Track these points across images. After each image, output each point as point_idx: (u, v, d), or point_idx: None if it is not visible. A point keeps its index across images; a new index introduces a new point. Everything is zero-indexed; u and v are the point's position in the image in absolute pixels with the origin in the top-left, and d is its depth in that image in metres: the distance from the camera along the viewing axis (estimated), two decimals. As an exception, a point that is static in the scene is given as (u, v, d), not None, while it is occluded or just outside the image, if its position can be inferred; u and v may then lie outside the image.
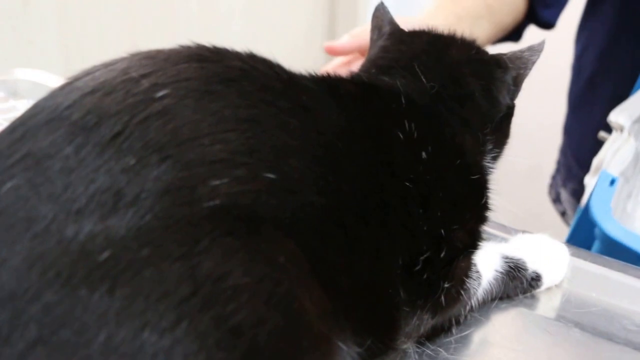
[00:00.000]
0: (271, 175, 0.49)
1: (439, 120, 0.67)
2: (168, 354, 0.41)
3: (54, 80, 1.23)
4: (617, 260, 0.78)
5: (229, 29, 2.08)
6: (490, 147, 0.74)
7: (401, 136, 0.62)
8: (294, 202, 0.51)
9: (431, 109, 0.68)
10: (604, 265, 0.78)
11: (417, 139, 0.63)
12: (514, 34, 1.25)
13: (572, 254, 0.77)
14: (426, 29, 0.78)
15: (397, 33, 0.78)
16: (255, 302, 0.44)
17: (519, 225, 0.79)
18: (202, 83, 0.51)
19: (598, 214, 0.84)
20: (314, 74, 0.64)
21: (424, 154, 0.62)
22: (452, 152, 0.66)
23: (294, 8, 2.34)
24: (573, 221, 1.09)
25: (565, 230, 1.24)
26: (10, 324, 0.40)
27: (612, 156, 0.99)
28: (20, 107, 1.20)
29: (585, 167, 1.14)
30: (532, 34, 1.22)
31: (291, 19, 2.34)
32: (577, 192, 1.20)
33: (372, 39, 0.81)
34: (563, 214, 1.29)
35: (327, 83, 0.63)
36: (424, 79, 0.69)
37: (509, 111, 0.77)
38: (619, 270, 0.77)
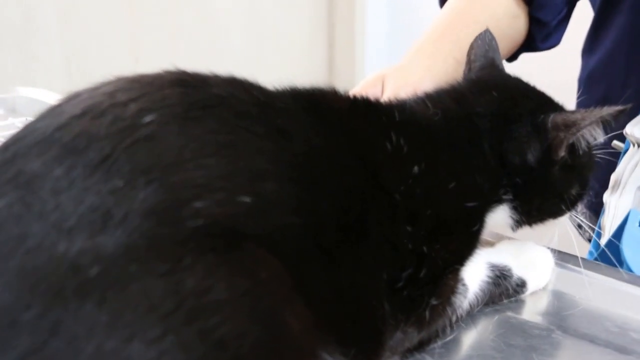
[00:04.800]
0: (247, 199, 0.51)
1: (438, 143, 0.67)
2: None
3: (55, 98, 1.25)
4: (601, 264, 0.80)
5: (229, 43, 2.11)
6: (510, 194, 0.70)
7: (389, 148, 0.63)
8: (271, 223, 0.52)
9: (431, 132, 0.67)
10: (588, 269, 0.79)
11: (407, 153, 0.63)
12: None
13: (557, 258, 0.79)
14: (500, 75, 0.78)
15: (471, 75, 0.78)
16: (237, 316, 0.46)
17: (528, 236, 0.79)
18: (185, 109, 0.53)
19: (630, 258, 0.84)
20: (299, 91, 0.65)
21: (415, 169, 0.63)
22: (448, 174, 0.66)
23: (293, 19, 2.36)
24: (594, 242, 1.07)
25: (578, 241, 1.23)
26: (3, 335, 0.42)
27: (630, 172, 0.98)
28: (19, 124, 1.22)
29: (601, 180, 1.15)
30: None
31: (291, 30, 2.36)
32: (594, 204, 1.19)
33: (464, 73, 0.82)
34: (579, 226, 1.28)
35: (308, 101, 0.64)
36: (430, 107, 0.69)
37: (540, 174, 0.70)
38: (602, 274, 0.79)
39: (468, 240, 0.69)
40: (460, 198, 0.66)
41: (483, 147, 0.69)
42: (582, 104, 1.27)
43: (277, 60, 2.25)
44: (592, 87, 1.24)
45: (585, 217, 1.23)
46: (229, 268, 0.47)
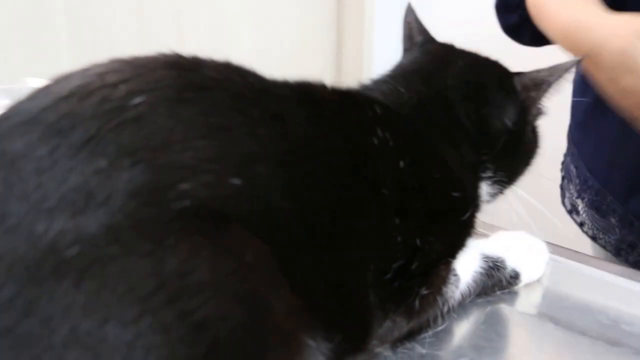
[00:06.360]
0: (237, 181, 0.51)
1: (419, 132, 0.68)
2: (131, 347, 0.42)
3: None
4: (596, 257, 0.80)
5: (236, 43, 2.11)
6: (490, 170, 0.73)
7: (376, 143, 0.63)
8: (260, 207, 0.52)
9: (411, 121, 0.69)
10: (583, 262, 0.79)
11: (393, 147, 0.64)
12: None
13: (551, 251, 0.79)
14: (447, 45, 0.79)
15: (418, 48, 0.79)
16: (219, 298, 0.46)
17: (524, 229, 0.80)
18: (177, 91, 0.53)
19: None
20: (293, 82, 0.65)
21: (401, 163, 0.63)
22: (433, 166, 0.67)
23: (302, 15, 2.36)
24: None
25: (583, 240, 1.23)
26: None
27: None
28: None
29: (602, 179, 1.14)
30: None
31: (299, 26, 2.35)
32: (596, 203, 1.18)
33: (404, 49, 0.82)
34: (582, 224, 1.27)
35: (303, 92, 0.64)
36: (404, 92, 0.70)
37: (516, 136, 0.74)
38: (596, 267, 0.78)
39: (460, 229, 0.69)
40: (448, 187, 0.67)
41: (462, 122, 0.70)
42: (580, 105, 1.25)
43: (284, 61, 2.24)
44: (586, 87, 1.23)
45: (589, 216, 1.22)
46: (214, 250, 0.47)
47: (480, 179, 0.73)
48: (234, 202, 0.51)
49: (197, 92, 0.54)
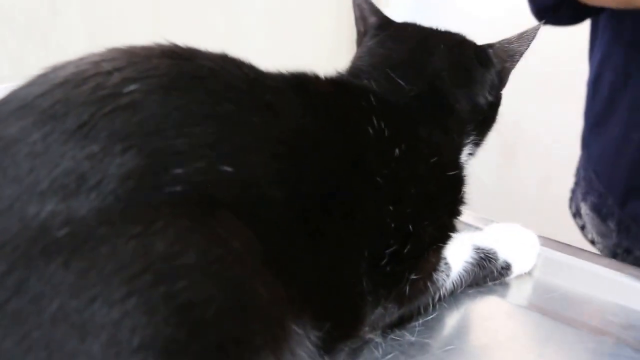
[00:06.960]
0: (228, 169, 0.52)
1: (415, 121, 0.70)
2: (116, 326, 0.43)
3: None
4: (584, 250, 0.81)
5: (253, 41, 2.12)
6: (471, 138, 0.77)
7: (371, 132, 0.64)
8: (252, 194, 0.53)
9: (407, 111, 0.70)
10: (573, 254, 0.80)
11: (388, 136, 0.65)
12: None
13: (543, 244, 0.80)
14: (413, 25, 0.80)
15: (382, 31, 0.80)
16: (205, 281, 0.47)
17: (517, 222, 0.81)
18: (171, 79, 0.54)
19: None
20: (287, 73, 0.66)
21: (396, 151, 0.65)
22: (428, 151, 0.68)
23: (318, 18, 2.37)
24: None
25: (582, 243, 1.24)
26: None
27: None
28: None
29: (605, 181, 1.15)
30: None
31: (315, 30, 2.36)
32: (597, 205, 1.19)
33: (358, 31, 0.83)
34: (582, 227, 1.28)
35: (298, 83, 0.65)
36: (403, 84, 0.71)
37: (493, 105, 0.79)
38: (585, 259, 0.79)
39: (452, 209, 0.71)
40: (443, 169, 0.69)
41: (453, 107, 0.73)
42: (594, 102, 1.26)
43: (297, 63, 2.24)
44: (598, 87, 1.23)
45: (589, 219, 1.23)
46: (201, 234, 0.48)
47: (464, 145, 0.76)
48: (224, 188, 0.52)
49: (192, 81, 0.55)
